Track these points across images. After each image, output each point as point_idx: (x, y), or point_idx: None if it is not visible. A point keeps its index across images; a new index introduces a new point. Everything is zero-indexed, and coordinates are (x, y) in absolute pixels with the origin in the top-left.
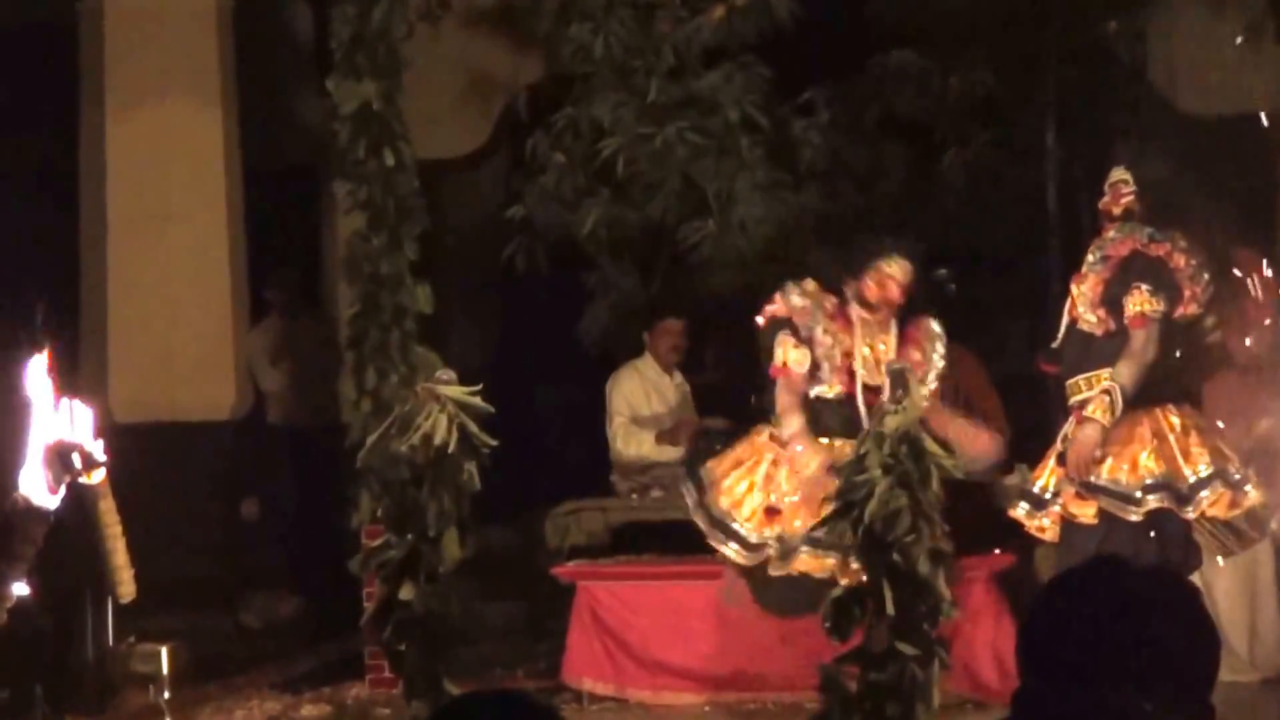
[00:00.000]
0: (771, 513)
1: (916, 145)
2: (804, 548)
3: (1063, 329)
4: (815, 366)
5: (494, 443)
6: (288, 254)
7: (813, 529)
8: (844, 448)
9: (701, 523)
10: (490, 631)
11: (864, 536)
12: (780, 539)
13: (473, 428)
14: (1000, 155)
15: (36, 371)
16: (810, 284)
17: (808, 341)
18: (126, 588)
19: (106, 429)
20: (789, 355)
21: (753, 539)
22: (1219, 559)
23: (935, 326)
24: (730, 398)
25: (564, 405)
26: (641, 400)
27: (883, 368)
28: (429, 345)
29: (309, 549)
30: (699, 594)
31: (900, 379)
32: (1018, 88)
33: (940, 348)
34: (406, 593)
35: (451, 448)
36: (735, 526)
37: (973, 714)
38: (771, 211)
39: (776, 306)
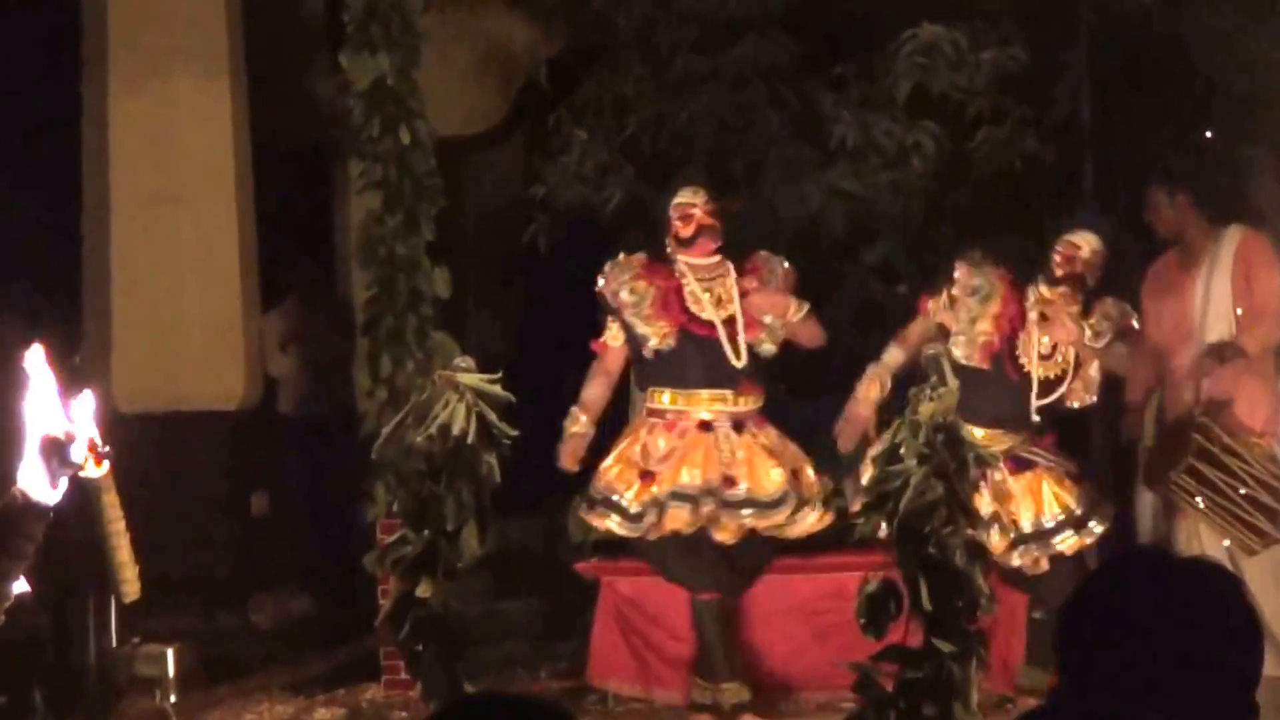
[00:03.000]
0: (646, 477)
1: (948, 122)
2: (671, 503)
3: None
4: (630, 328)
5: (515, 433)
6: (299, 236)
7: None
8: (708, 396)
9: (583, 511)
10: (511, 630)
11: (899, 529)
12: (654, 501)
13: (492, 417)
14: (1034, 132)
15: (36, 360)
16: (623, 257)
17: (617, 310)
18: (130, 586)
19: (110, 419)
20: (609, 331)
21: (633, 509)
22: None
23: (771, 256)
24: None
25: None
26: None
27: (731, 306)
28: (447, 331)
29: (322, 545)
30: None
31: (935, 365)
32: (1053, 61)
33: (781, 265)
34: (424, 590)
35: (470, 438)
36: (616, 499)
37: (1012, 713)
38: (800, 190)
39: (598, 286)
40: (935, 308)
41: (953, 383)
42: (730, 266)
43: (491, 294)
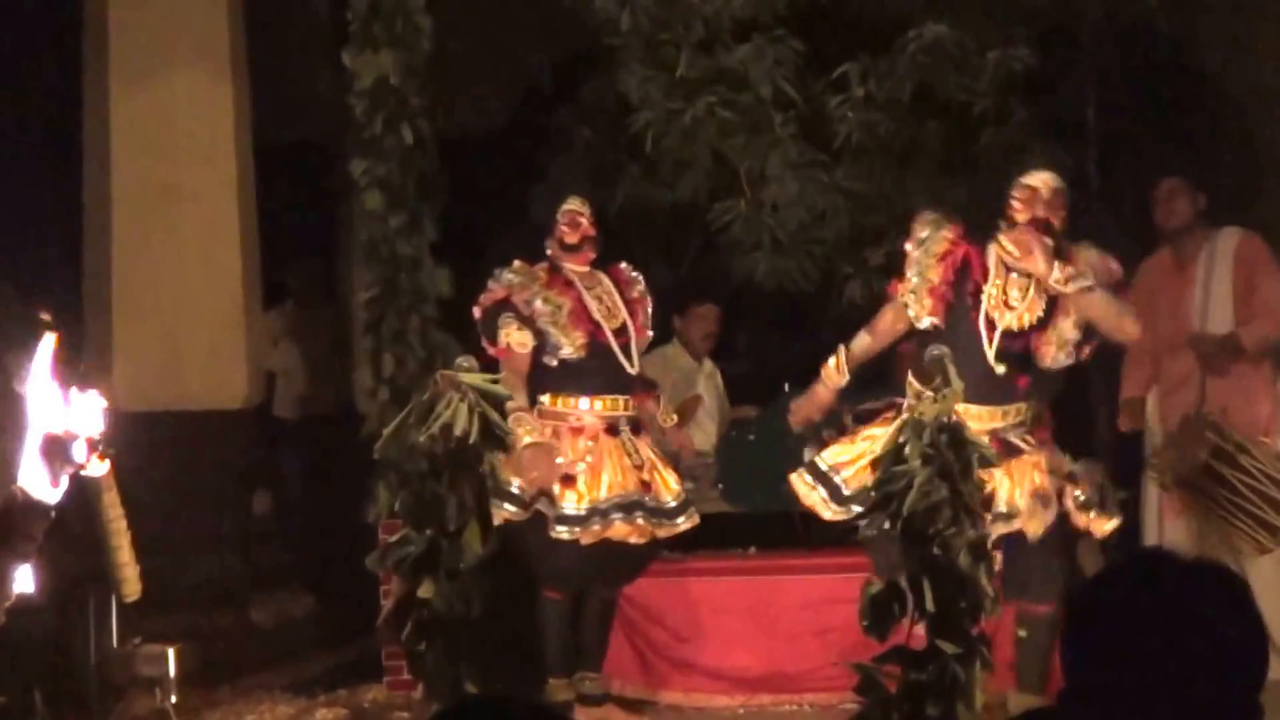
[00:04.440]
0: (568, 481)
1: (953, 122)
2: (616, 513)
3: None
4: (544, 336)
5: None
6: (302, 235)
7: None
8: (616, 402)
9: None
10: (513, 630)
11: (903, 529)
12: (596, 509)
13: (495, 417)
14: (1039, 131)
15: (39, 357)
16: (518, 263)
17: (530, 318)
18: (131, 586)
19: (111, 418)
20: (511, 337)
21: (574, 512)
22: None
23: (631, 269)
24: (763, 385)
25: None
26: (669, 391)
27: (621, 314)
28: (449, 330)
29: (323, 545)
30: (732, 591)
31: (940, 366)
32: (1057, 62)
33: (642, 284)
34: (426, 590)
35: (473, 438)
36: (507, 487)
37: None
38: (805, 191)
39: (492, 292)
40: (904, 289)
41: (956, 384)
42: (603, 276)
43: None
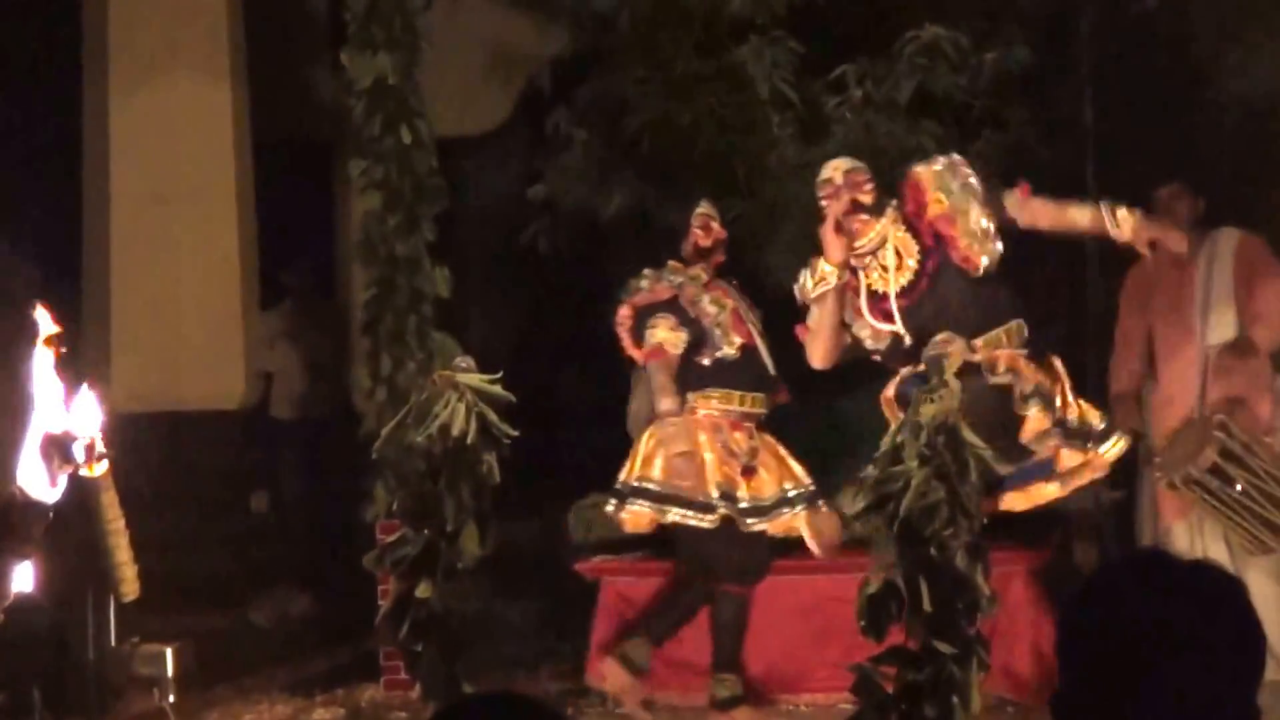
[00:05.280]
0: (749, 473)
1: (951, 123)
2: (800, 504)
3: None
4: (704, 336)
5: (515, 433)
6: (300, 235)
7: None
8: (756, 400)
9: (648, 504)
10: (511, 630)
11: (900, 530)
12: (786, 499)
13: (492, 417)
14: (1037, 132)
15: (38, 359)
16: (674, 264)
17: (695, 320)
18: (129, 585)
19: (109, 418)
20: (665, 336)
21: (750, 504)
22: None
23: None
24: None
25: (588, 393)
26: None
27: (754, 318)
28: (447, 331)
29: (322, 545)
30: None
31: (936, 366)
32: (1055, 63)
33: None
34: (423, 590)
35: (470, 438)
36: (731, 493)
37: (1013, 715)
38: (803, 191)
39: (650, 293)
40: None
41: (954, 384)
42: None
43: (492, 294)
